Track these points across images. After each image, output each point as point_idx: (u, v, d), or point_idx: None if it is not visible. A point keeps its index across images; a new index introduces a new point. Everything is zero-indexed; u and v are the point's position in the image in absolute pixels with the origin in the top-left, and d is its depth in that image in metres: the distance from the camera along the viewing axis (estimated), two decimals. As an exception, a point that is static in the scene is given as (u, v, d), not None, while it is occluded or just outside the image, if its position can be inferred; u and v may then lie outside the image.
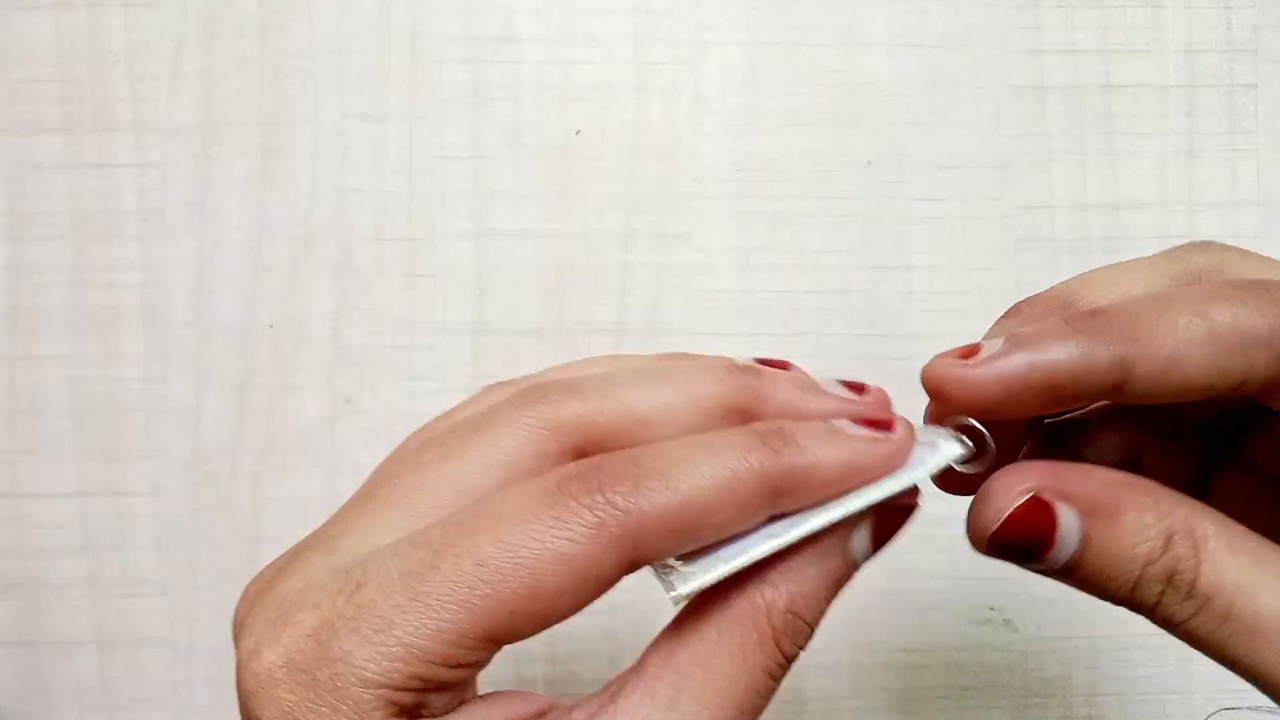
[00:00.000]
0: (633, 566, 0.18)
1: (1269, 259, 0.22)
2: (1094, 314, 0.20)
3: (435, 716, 0.18)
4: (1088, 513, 0.19)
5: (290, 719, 0.17)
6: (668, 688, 0.18)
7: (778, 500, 0.19)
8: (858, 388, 0.21)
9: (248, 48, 0.38)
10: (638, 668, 0.19)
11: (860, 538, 0.20)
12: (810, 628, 0.20)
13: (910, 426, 0.20)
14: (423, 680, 0.18)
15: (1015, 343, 0.20)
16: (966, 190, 0.39)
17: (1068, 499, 0.19)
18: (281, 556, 0.21)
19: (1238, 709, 0.37)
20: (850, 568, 0.20)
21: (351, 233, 0.38)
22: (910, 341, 0.38)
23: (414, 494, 0.20)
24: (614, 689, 0.19)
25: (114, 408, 0.38)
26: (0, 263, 0.38)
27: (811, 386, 0.21)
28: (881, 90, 0.39)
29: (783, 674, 0.19)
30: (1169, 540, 0.19)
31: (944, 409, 0.21)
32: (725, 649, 0.19)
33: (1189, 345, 0.19)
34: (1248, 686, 0.21)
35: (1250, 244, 0.39)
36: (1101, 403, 0.22)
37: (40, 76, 0.38)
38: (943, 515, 0.40)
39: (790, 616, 0.19)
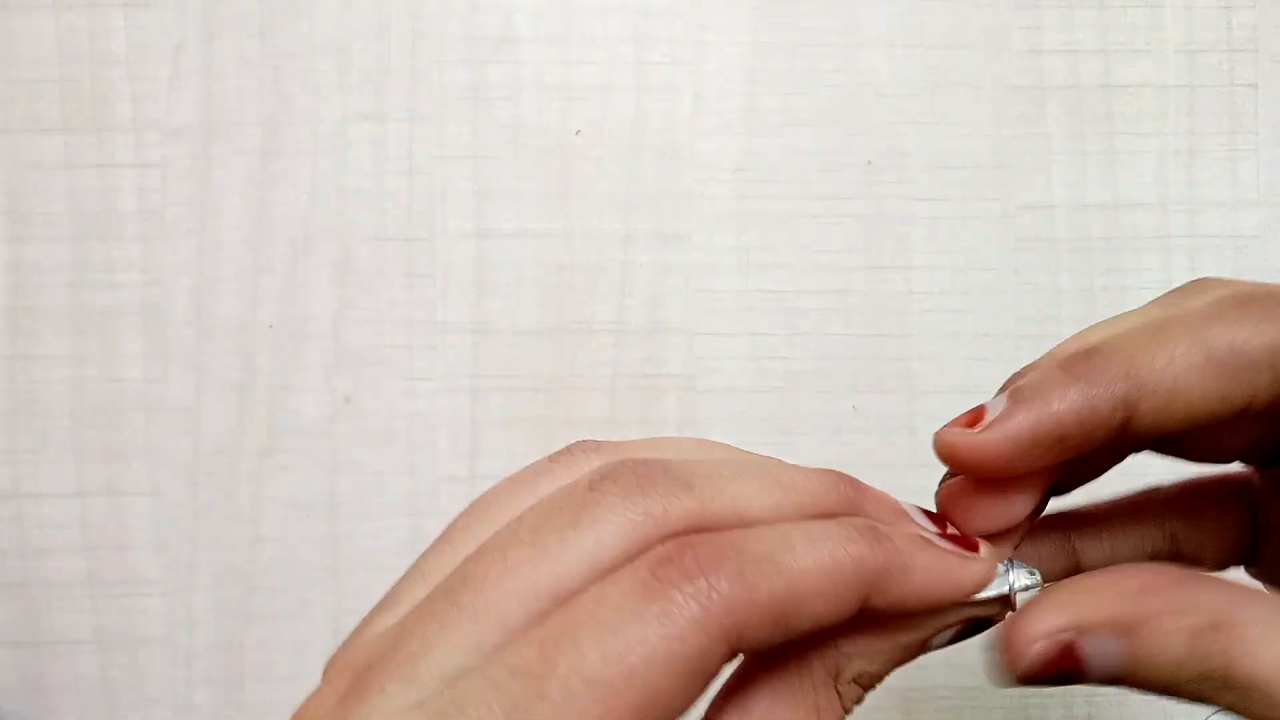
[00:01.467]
0: (734, 655, 0.17)
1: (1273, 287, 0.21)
2: (1089, 354, 0.19)
3: None
4: (1114, 634, 0.19)
5: None
6: None
7: (870, 597, 0.18)
8: (939, 520, 0.21)
9: (248, 48, 0.38)
10: None
11: (943, 638, 0.20)
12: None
13: (994, 550, 0.20)
14: None
15: (1016, 399, 0.19)
16: (966, 190, 0.39)
17: (1088, 631, 0.19)
18: (340, 672, 0.18)
19: None
20: (917, 656, 0.20)
21: (351, 233, 0.38)
22: (910, 341, 0.38)
23: (506, 602, 0.17)
24: None
25: (114, 408, 0.38)
26: (0, 263, 0.38)
27: (901, 512, 0.21)
28: (881, 90, 0.39)
29: None
30: (1195, 637, 0.18)
31: (961, 473, 0.21)
32: (798, 712, 0.19)
33: (1189, 374, 0.19)
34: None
35: (1250, 244, 0.39)
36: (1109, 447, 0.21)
37: (40, 76, 0.38)
38: (943, 515, 0.39)
39: (856, 689, 0.19)
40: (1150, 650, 0.19)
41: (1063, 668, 0.19)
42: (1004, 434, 0.19)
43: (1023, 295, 0.39)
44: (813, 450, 0.38)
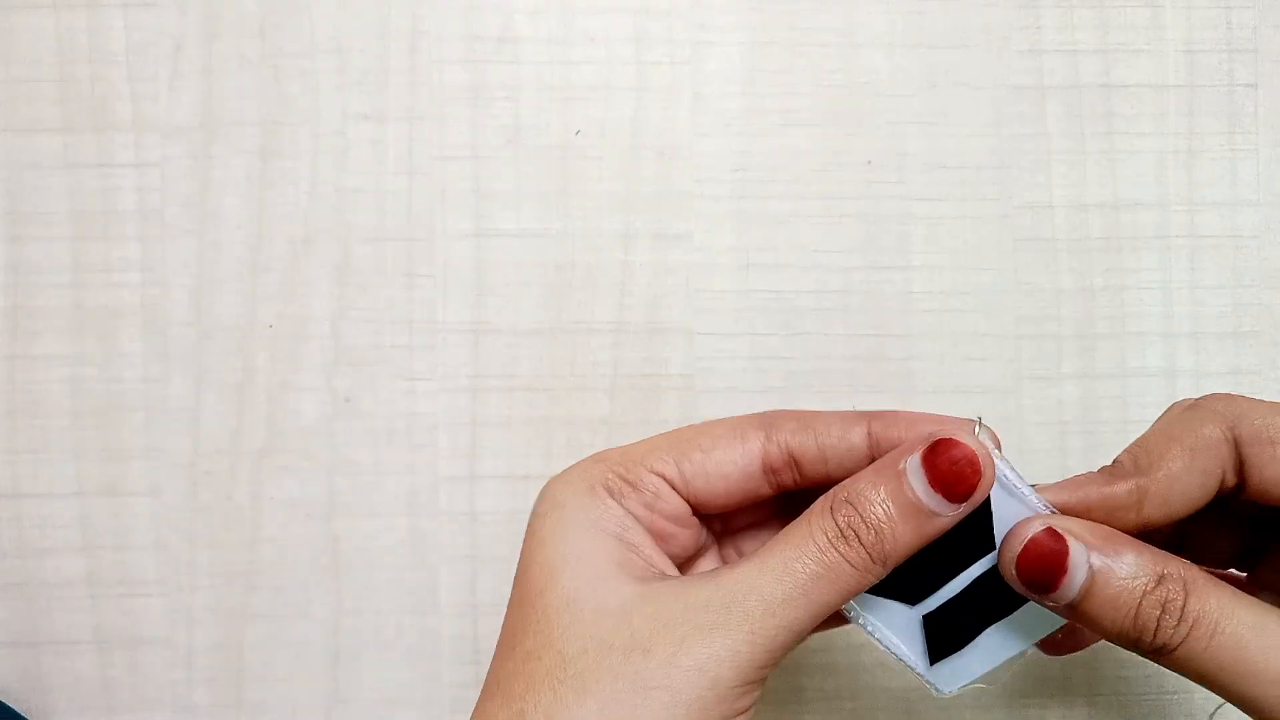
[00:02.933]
0: (769, 449, 0.28)
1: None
2: (1114, 464, 0.27)
3: (625, 506, 0.28)
4: (1093, 547, 0.25)
5: (549, 494, 0.28)
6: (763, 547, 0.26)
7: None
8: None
9: (248, 48, 0.38)
10: None
11: (913, 461, 0.25)
12: (865, 522, 0.25)
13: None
14: (619, 473, 0.28)
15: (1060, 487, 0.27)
16: (966, 190, 0.39)
17: (1077, 536, 0.25)
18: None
19: None
20: (903, 485, 0.25)
21: (351, 233, 0.38)
22: (910, 341, 0.38)
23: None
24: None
25: (114, 408, 0.38)
26: (0, 263, 0.38)
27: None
28: (881, 90, 0.39)
29: (839, 545, 0.25)
30: (1161, 579, 0.24)
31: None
32: (801, 522, 0.26)
33: (1178, 465, 0.26)
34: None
35: (1250, 244, 0.39)
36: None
37: (40, 76, 0.38)
38: (943, 515, 0.39)
39: (846, 503, 0.25)
40: (1126, 573, 0.25)
41: (1052, 557, 0.25)
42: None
43: (1023, 295, 0.39)
44: (813, 450, 0.38)
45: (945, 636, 0.27)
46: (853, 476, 0.26)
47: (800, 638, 0.25)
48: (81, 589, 0.38)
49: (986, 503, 0.26)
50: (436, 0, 0.38)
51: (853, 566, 0.25)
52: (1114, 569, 0.24)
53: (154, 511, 0.38)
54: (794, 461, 0.28)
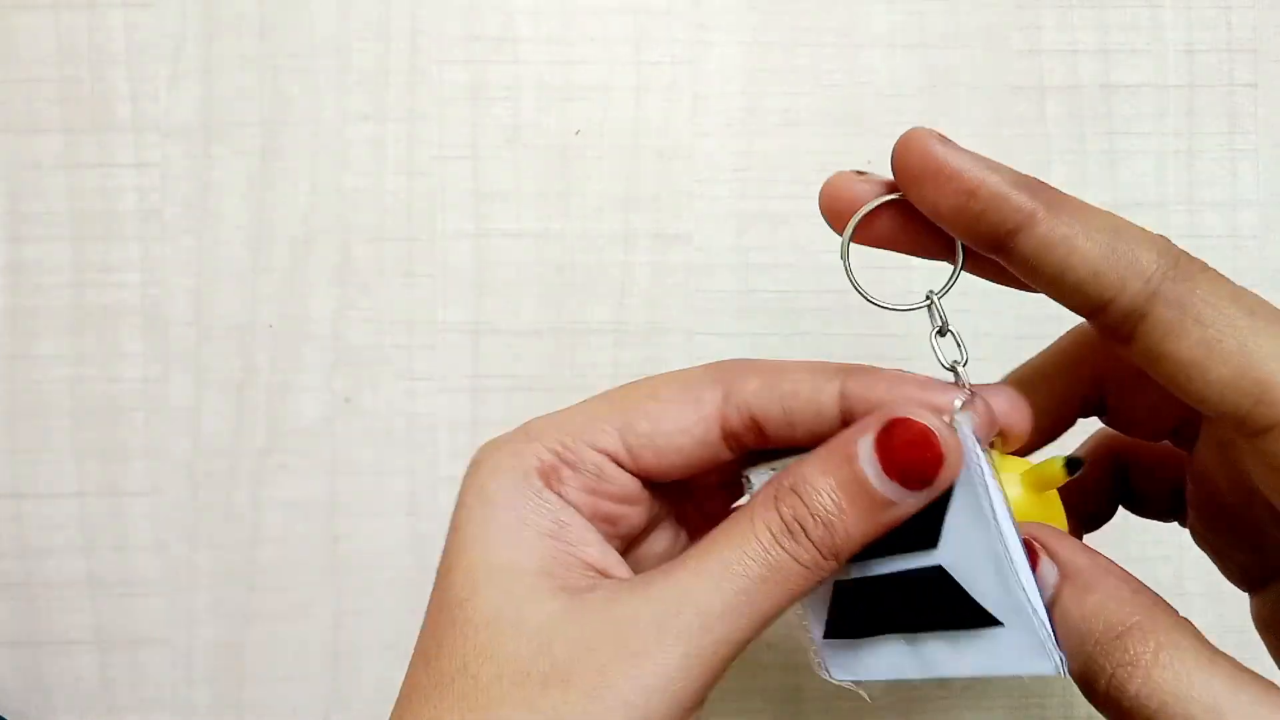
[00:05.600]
0: (727, 412, 0.24)
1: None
2: (1044, 184, 0.23)
3: (564, 494, 0.24)
4: (1063, 575, 0.22)
5: (477, 480, 0.24)
6: (705, 539, 0.23)
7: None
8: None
9: (248, 48, 0.38)
10: None
11: (864, 443, 0.22)
12: (812, 514, 0.22)
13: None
14: (556, 452, 0.24)
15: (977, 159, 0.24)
16: (966, 190, 0.39)
17: (1052, 555, 0.22)
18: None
19: None
20: (855, 471, 0.22)
21: (351, 233, 0.38)
22: (910, 341, 0.38)
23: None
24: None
25: (114, 408, 0.38)
26: (0, 263, 0.38)
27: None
28: (881, 90, 0.39)
29: (784, 542, 0.22)
30: (1126, 631, 0.20)
31: (902, 172, 0.24)
32: (743, 515, 0.23)
33: (1084, 233, 0.22)
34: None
35: (1250, 244, 0.39)
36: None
37: (40, 76, 0.38)
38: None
39: (791, 492, 0.22)
40: (1086, 613, 0.21)
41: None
42: (952, 158, 0.24)
43: (1023, 295, 0.39)
44: (813, 450, 0.38)
45: (849, 616, 0.24)
46: (801, 459, 0.23)
47: (743, 648, 0.22)
48: (81, 589, 0.38)
49: (948, 494, 0.22)
50: (436, 0, 0.38)
51: (801, 565, 0.22)
52: (1076, 603, 0.21)
53: (154, 511, 0.38)
54: (756, 424, 0.24)
